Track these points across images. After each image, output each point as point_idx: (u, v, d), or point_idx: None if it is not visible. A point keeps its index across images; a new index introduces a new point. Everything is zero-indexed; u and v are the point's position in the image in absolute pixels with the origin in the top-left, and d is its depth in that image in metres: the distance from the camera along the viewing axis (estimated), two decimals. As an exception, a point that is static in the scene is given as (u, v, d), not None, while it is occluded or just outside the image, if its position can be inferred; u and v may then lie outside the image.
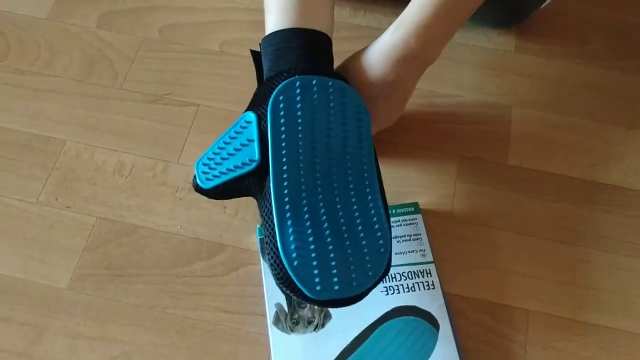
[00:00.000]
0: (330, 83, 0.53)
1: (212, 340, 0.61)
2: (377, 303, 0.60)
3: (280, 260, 0.48)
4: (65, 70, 0.78)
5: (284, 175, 0.50)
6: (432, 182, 0.70)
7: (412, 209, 0.66)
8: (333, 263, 0.48)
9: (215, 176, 0.52)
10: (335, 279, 0.48)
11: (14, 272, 0.64)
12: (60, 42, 0.80)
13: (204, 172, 0.52)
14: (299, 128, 0.52)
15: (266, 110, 0.52)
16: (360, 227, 0.50)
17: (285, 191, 0.50)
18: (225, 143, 0.53)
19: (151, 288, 0.63)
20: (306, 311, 0.60)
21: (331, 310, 0.60)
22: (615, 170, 0.72)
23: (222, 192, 0.53)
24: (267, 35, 0.56)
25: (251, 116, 0.53)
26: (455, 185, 0.70)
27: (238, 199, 0.68)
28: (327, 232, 0.49)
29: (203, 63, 0.79)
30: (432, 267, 0.63)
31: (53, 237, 0.66)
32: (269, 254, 0.49)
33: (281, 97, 0.52)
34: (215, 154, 0.53)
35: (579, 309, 0.63)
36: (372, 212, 0.51)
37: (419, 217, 0.66)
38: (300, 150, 0.51)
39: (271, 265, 0.49)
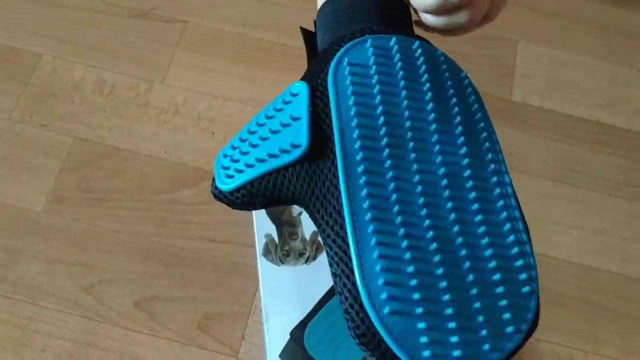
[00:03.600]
0: (411, 42, 0.36)
1: (198, 270, 0.58)
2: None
3: (361, 306, 0.29)
4: (40, -23, 0.71)
5: (359, 169, 0.31)
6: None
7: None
8: (450, 311, 0.29)
9: (239, 171, 0.34)
10: (455, 339, 0.28)
11: (-15, 192, 0.60)
12: (34, -53, 0.73)
13: (224, 167, 0.35)
14: (377, 100, 0.34)
15: (324, 79, 0.35)
16: (490, 251, 0.31)
17: (365, 193, 0.31)
18: (259, 125, 0.35)
19: (133, 214, 0.60)
20: (297, 242, 0.57)
21: (323, 243, 0.57)
22: (621, 112, 0.69)
23: (251, 195, 0.34)
24: (324, 4, 0.40)
25: (299, 87, 0.35)
26: (456, 119, 0.67)
27: (228, 124, 0.64)
28: (437, 258, 0.30)
29: (191, -22, 0.73)
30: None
31: (27, 156, 0.62)
32: (340, 292, 0.30)
33: (346, 60, 0.35)
34: (242, 140, 0.35)
35: (573, 251, 0.62)
36: (507, 225, 0.32)
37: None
38: (384, 131, 0.33)
39: (346, 312, 0.30)
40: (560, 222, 0.63)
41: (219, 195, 0.35)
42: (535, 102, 0.69)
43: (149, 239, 0.59)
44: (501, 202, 0.33)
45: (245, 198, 0.34)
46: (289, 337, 0.54)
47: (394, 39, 0.36)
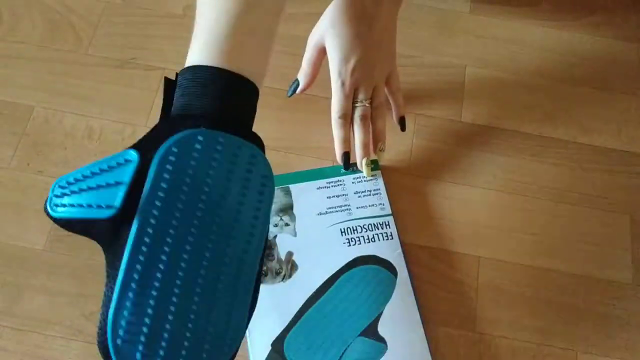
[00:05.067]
0: (239, 144, 0.44)
1: (186, 293, 0.64)
2: (340, 254, 0.65)
3: (105, 331, 0.41)
4: (28, 36, 0.78)
5: (144, 242, 0.41)
6: (391, 139, 0.73)
7: (372, 165, 0.70)
8: (161, 350, 0.41)
9: (64, 205, 0.42)
10: (161, 353, 0.41)
11: (-10, 235, 0.66)
12: (21, 8, 0.80)
13: (57, 196, 0.42)
14: (184, 190, 0.42)
15: (151, 160, 0.41)
16: (211, 322, 0.42)
17: (140, 260, 0.41)
18: (93, 173, 0.42)
19: (125, 247, 0.66)
20: (274, 263, 0.64)
21: (297, 261, 0.64)
22: (561, 125, 0.77)
23: (70, 227, 0.43)
24: (187, 68, 0.46)
25: (133, 156, 0.42)
26: (413, 142, 0.74)
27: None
28: (171, 316, 0.41)
29: (166, 27, 0.80)
30: (391, 219, 0.67)
31: (27, 201, 0.68)
32: (101, 311, 0.41)
33: (175, 149, 0.42)
34: (77, 180, 0.42)
35: (525, 254, 0.69)
36: (234, 303, 0.44)
37: (378, 173, 0.70)
38: (176, 217, 0.41)
39: (98, 327, 0.41)
40: (512, 229, 0.70)
41: (47, 214, 0.43)
42: (483, 122, 0.76)
43: (141, 268, 0.65)
44: (239, 285, 0.44)
45: (64, 225, 0.43)
46: (270, 347, 0.60)
47: (221, 137, 0.43)
